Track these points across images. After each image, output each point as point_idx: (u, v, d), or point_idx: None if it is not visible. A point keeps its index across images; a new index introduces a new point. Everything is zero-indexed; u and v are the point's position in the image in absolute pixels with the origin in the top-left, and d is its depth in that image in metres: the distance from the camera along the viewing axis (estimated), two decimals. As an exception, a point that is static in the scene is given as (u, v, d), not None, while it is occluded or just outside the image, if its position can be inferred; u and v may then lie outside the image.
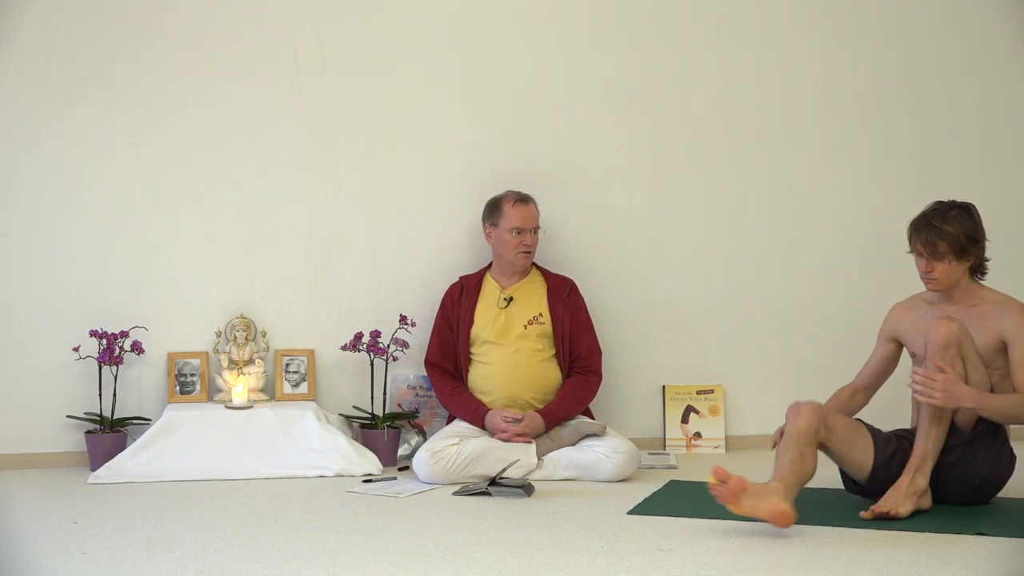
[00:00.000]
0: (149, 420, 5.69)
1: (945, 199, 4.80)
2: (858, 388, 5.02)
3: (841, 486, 4.90)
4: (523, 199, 5.64)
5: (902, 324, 4.93)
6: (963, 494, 4.67)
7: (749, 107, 6.22)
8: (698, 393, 6.12)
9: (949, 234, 4.66)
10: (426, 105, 6.00)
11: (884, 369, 5.02)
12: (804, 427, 4.51)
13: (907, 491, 4.55)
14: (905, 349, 4.96)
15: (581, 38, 6.11)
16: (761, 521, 4.29)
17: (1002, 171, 6.39)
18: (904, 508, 4.51)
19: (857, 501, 4.70)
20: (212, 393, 5.79)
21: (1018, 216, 6.37)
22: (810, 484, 4.60)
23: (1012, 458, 4.72)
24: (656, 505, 4.78)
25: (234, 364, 5.75)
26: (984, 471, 4.65)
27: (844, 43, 6.28)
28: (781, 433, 4.63)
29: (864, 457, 4.66)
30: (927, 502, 4.60)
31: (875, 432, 4.73)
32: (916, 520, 4.47)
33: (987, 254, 4.79)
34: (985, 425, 4.62)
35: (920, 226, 4.72)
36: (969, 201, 4.80)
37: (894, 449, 4.69)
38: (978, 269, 4.80)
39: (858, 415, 4.90)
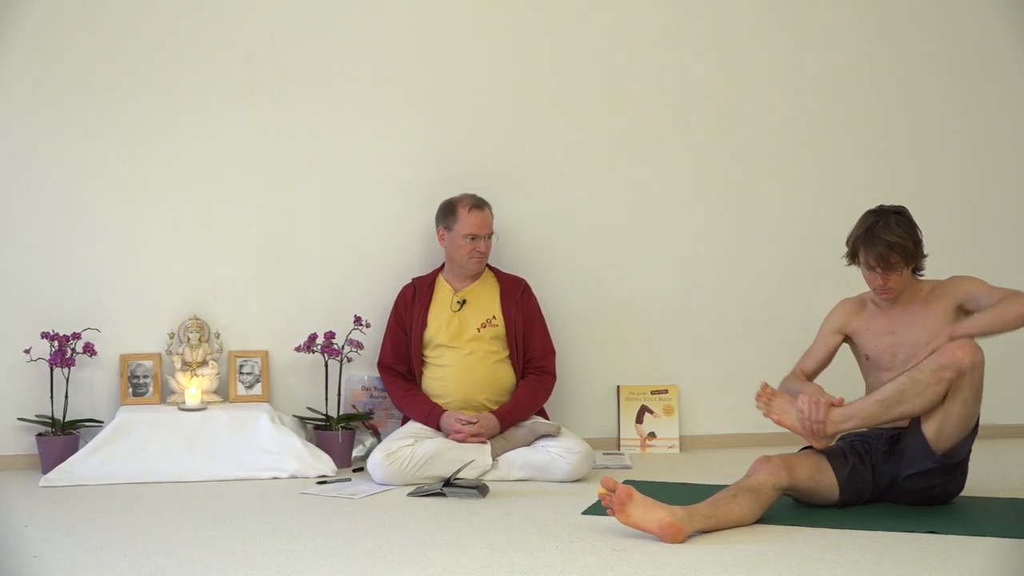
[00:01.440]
0: (102, 422, 5.65)
1: (875, 207, 4.83)
2: (807, 373, 5.01)
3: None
4: (478, 204, 5.63)
5: (856, 323, 4.97)
6: (913, 502, 4.72)
7: (703, 109, 6.24)
8: (652, 393, 6.13)
9: (899, 245, 4.69)
10: (380, 106, 5.99)
11: (827, 360, 5.03)
12: (756, 482, 4.48)
13: (835, 419, 4.64)
14: (850, 346, 5.02)
15: (535, 40, 6.11)
16: (651, 535, 4.24)
17: (955, 171, 6.45)
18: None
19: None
20: (165, 395, 5.75)
21: (969, 217, 6.45)
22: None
23: (963, 481, 4.75)
24: (611, 505, 4.78)
25: (187, 365, 5.71)
26: (936, 491, 4.69)
27: (799, 44, 6.32)
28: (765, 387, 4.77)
29: (830, 491, 4.65)
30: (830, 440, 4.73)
31: (830, 455, 4.72)
32: (869, 518, 4.49)
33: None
34: (954, 459, 4.63)
35: (869, 241, 4.72)
36: (901, 205, 4.84)
37: (852, 461, 4.71)
38: (918, 268, 4.85)
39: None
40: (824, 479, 4.63)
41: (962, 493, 4.80)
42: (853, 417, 4.66)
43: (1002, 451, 5.90)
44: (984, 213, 6.47)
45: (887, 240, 4.68)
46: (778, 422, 4.77)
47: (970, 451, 4.70)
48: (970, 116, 6.47)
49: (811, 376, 5.01)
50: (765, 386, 4.84)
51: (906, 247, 4.70)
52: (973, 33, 6.46)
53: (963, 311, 4.76)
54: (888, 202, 4.89)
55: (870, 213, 4.82)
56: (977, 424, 4.65)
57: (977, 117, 6.48)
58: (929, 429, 4.58)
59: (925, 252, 4.82)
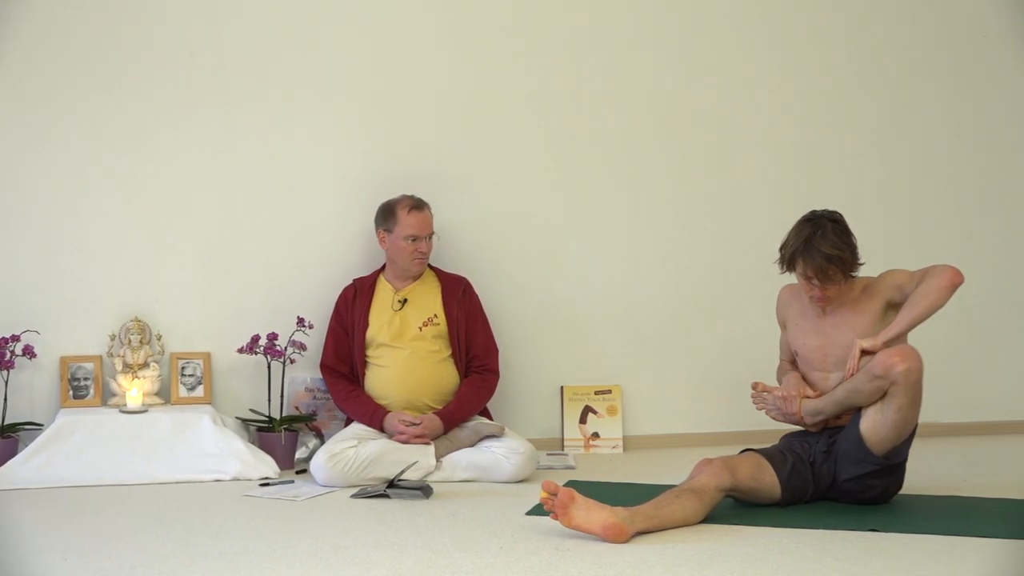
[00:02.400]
0: (41, 425, 5.59)
1: (808, 214, 4.78)
2: (792, 361, 5.05)
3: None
4: (418, 205, 5.61)
5: (790, 313, 4.99)
6: (853, 502, 4.76)
7: (645, 108, 6.25)
8: (596, 393, 6.14)
9: (838, 258, 4.65)
10: (322, 106, 5.97)
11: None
12: (699, 484, 4.49)
13: (807, 412, 4.77)
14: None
15: (477, 39, 6.11)
16: (595, 537, 4.24)
17: (883, 173, 6.50)
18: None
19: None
20: (106, 397, 5.70)
21: (909, 218, 6.51)
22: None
23: (902, 482, 4.79)
24: (555, 505, 4.77)
25: (128, 368, 5.67)
26: (876, 493, 4.72)
27: (738, 45, 6.35)
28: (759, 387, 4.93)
29: (772, 489, 4.68)
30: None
31: (769, 456, 4.75)
32: (810, 517, 4.52)
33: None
34: (892, 462, 4.66)
35: (808, 253, 4.68)
36: (834, 211, 4.81)
37: (792, 460, 4.75)
38: (855, 272, 4.80)
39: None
40: (765, 478, 4.66)
41: (901, 491, 4.84)
42: (821, 412, 4.79)
43: (939, 449, 5.97)
44: (924, 214, 6.54)
45: (826, 253, 4.64)
46: (769, 415, 4.95)
47: (907, 453, 4.74)
48: (916, 117, 6.53)
49: (793, 362, 5.05)
50: (756, 384, 4.94)
51: (845, 259, 4.66)
52: (919, 34, 6.53)
53: (893, 306, 4.76)
54: (829, 202, 4.90)
55: (806, 222, 4.76)
56: (915, 428, 4.69)
57: (923, 118, 6.54)
58: (866, 432, 4.61)
59: (861, 260, 4.77)
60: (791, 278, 4.90)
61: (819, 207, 4.86)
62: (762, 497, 4.67)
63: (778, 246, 4.83)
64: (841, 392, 4.69)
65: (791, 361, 5.04)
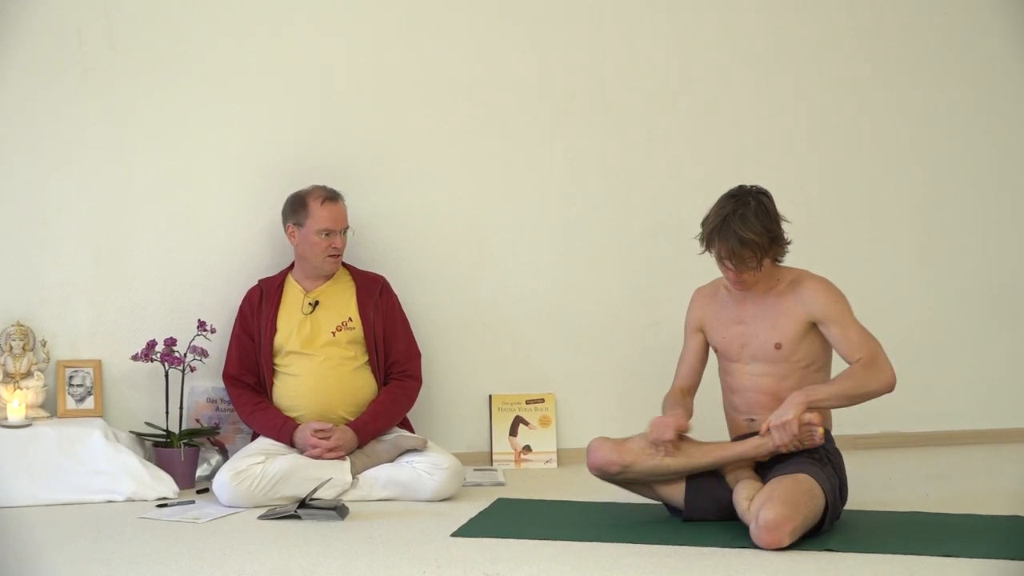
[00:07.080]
0: (-87, 441, 5.47)
1: (735, 189, 4.79)
2: (684, 389, 5.02)
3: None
4: (332, 196, 5.57)
5: (706, 313, 4.99)
6: None
7: (577, 102, 6.27)
8: (527, 403, 6.14)
9: (754, 242, 4.63)
10: (228, 90, 5.94)
11: (700, 363, 5.04)
12: (594, 464, 4.64)
13: (800, 397, 4.61)
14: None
15: (398, 25, 6.11)
16: None
17: (805, 165, 6.53)
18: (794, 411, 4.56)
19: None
20: (-15, 410, 5.62)
21: (851, 218, 6.56)
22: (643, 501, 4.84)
23: (839, 513, 4.73)
24: (483, 526, 4.76)
25: (10, 377, 5.60)
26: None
27: (677, 35, 6.38)
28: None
29: (673, 485, 4.74)
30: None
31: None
32: (733, 534, 4.52)
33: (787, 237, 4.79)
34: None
35: (723, 234, 4.66)
36: (762, 187, 4.81)
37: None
38: (779, 257, 4.80)
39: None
40: (665, 459, 4.69)
41: (859, 508, 4.86)
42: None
43: (899, 462, 6.03)
44: (883, 213, 6.58)
45: (740, 236, 4.63)
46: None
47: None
48: (853, 108, 6.57)
49: (692, 388, 5.01)
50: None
51: (760, 244, 4.65)
52: (858, 22, 6.57)
53: (815, 330, 4.75)
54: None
55: (729, 198, 4.75)
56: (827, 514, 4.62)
57: (862, 109, 6.58)
58: None
59: (788, 240, 4.77)
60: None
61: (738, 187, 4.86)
62: (663, 491, 4.74)
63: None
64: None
65: (688, 388, 5.02)
